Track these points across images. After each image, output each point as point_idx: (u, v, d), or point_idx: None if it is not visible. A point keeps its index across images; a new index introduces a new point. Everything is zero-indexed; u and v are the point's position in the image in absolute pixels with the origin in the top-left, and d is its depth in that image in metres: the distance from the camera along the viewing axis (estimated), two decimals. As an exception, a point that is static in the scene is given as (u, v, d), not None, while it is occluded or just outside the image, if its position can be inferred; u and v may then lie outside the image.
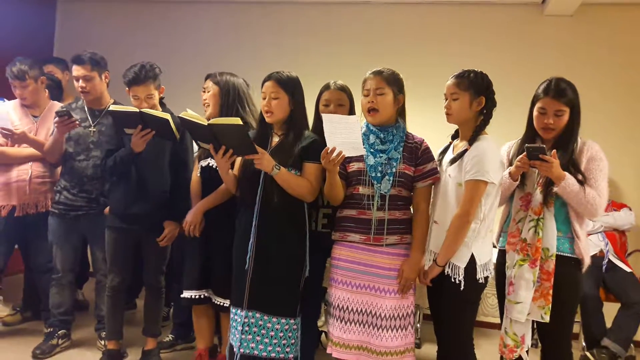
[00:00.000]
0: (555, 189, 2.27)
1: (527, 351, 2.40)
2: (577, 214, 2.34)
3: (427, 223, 2.40)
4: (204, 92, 2.89)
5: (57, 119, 2.96)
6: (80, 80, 3.10)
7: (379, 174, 2.35)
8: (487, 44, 4.45)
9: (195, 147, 2.89)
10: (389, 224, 2.35)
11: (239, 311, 2.45)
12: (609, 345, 3.42)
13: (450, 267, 2.29)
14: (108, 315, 3.10)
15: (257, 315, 2.42)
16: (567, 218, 2.35)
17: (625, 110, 4.25)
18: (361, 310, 2.37)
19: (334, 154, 2.20)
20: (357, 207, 2.39)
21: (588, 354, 3.45)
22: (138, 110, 2.71)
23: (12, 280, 4.12)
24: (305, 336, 2.57)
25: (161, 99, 3.04)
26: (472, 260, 2.28)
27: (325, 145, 2.23)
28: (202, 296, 2.77)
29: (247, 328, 2.42)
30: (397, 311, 2.35)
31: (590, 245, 3.56)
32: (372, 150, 2.37)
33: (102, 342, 3.28)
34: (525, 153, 2.26)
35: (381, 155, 2.36)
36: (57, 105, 3.44)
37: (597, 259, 3.65)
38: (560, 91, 2.31)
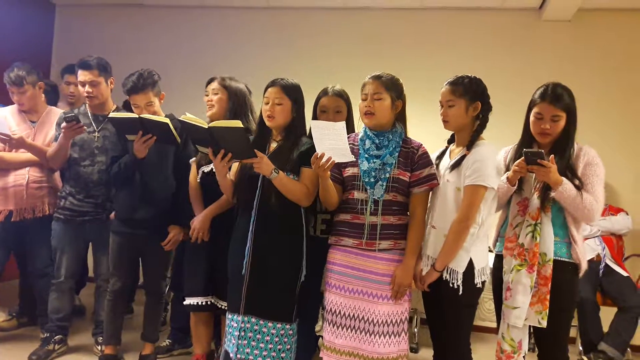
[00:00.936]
0: (552, 194, 2.27)
1: (524, 356, 2.40)
2: (573, 219, 2.34)
3: (422, 229, 2.39)
4: (207, 94, 2.88)
5: (64, 124, 2.95)
6: (87, 86, 3.10)
7: (372, 179, 2.35)
8: (485, 49, 4.47)
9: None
10: (382, 229, 2.34)
11: (235, 316, 2.45)
12: (606, 349, 3.42)
13: (448, 272, 2.29)
14: (107, 320, 3.09)
15: (253, 320, 2.42)
16: (564, 223, 2.35)
17: (623, 115, 4.26)
18: (354, 316, 2.36)
19: (323, 160, 2.21)
20: (351, 211, 2.40)
21: (585, 358, 3.46)
22: (137, 116, 2.72)
23: (7, 285, 4.10)
24: (303, 341, 2.58)
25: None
26: (470, 265, 2.28)
27: None
28: (207, 302, 2.78)
29: (243, 333, 2.42)
30: (391, 317, 2.34)
31: (587, 249, 3.58)
32: (366, 155, 2.38)
33: (99, 347, 3.27)
34: (523, 158, 2.26)
35: (375, 160, 2.36)
36: (55, 111, 3.45)
37: (594, 263, 3.66)
38: (556, 96, 2.32)
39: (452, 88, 2.36)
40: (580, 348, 3.61)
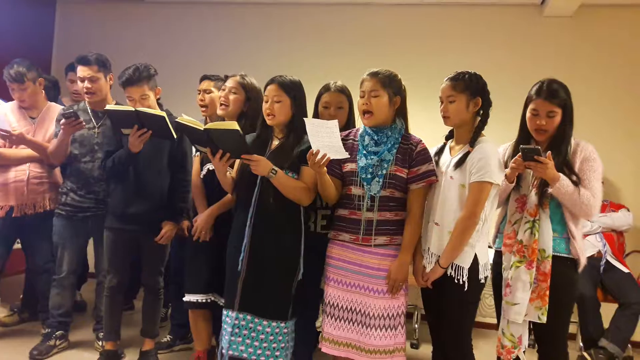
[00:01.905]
0: (550, 190, 2.27)
1: (524, 351, 2.40)
2: (571, 215, 2.34)
3: (418, 225, 2.39)
4: (208, 92, 2.90)
5: (63, 120, 2.96)
6: (86, 81, 3.10)
7: (369, 176, 2.35)
8: (486, 45, 4.45)
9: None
10: (378, 225, 2.35)
11: (229, 312, 2.45)
12: (607, 345, 3.42)
13: (454, 268, 2.29)
14: (106, 316, 3.09)
15: (248, 317, 2.42)
16: (563, 219, 2.35)
17: (624, 110, 4.25)
18: (352, 309, 2.38)
19: (319, 156, 2.21)
20: (349, 207, 2.40)
21: (585, 354, 3.46)
22: (134, 109, 2.71)
23: (9, 281, 4.11)
24: (303, 337, 2.58)
25: (157, 99, 3.03)
26: (474, 261, 2.29)
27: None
28: (206, 300, 2.78)
29: (237, 330, 2.42)
30: (387, 311, 2.34)
31: (587, 245, 3.59)
32: (365, 152, 2.38)
33: (100, 343, 3.28)
34: (520, 155, 2.26)
35: (372, 157, 2.36)
36: (55, 107, 3.45)
37: (594, 259, 3.65)
38: (552, 92, 2.32)
39: (452, 84, 2.35)
40: (581, 344, 3.61)
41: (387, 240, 2.36)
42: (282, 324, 2.43)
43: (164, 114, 2.70)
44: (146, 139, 2.76)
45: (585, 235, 3.66)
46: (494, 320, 2.62)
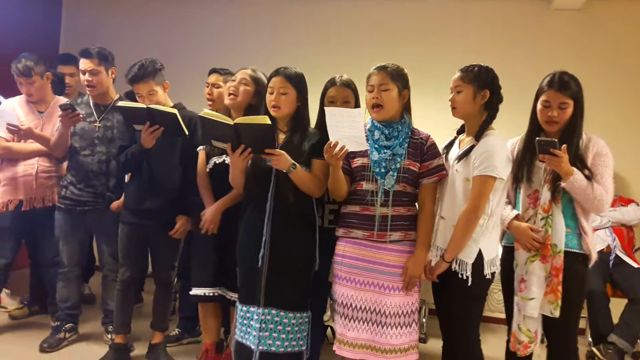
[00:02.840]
0: (562, 185, 2.26)
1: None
2: (583, 210, 2.33)
3: (432, 220, 2.38)
4: (217, 85, 2.94)
5: (61, 112, 2.98)
6: (87, 74, 3.11)
7: (382, 170, 2.33)
8: (493, 38, 4.42)
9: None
10: (393, 220, 2.33)
11: (252, 308, 2.46)
12: (616, 341, 3.40)
13: (458, 262, 2.29)
14: (117, 309, 3.11)
15: (273, 311, 2.43)
16: (574, 214, 2.34)
17: (633, 104, 4.21)
18: (366, 308, 2.35)
19: (337, 148, 2.19)
20: (360, 203, 2.38)
21: (594, 349, 3.44)
22: (145, 106, 2.72)
23: (19, 274, 4.13)
24: (311, 330, 2.57)
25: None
26: (479, 256, 2.28)
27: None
28: (214, 294, 2.78)
29: (264, 325, 2.43)
30: (402, 308, 2.34)
31: (597, 240, 3.57)
32: (376, 146, 2.36)
33: (109, 336, 3.30)
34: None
35: (385, 151, 2.34)
36: (63, 101, 3.45)
37: (604, 254, 3.63)
38: (564, 84, 2.30)
39: (462, 75, 2.36)
40: (590, 339, 3.60)
41: (402, 235, 2.35)
42: (304, 314, 2.48)
43: (175, 111, 2.71)
44: (158, 135, 2.78)
45: (595, 229, 3.63)
46: (503, 315, 2.62)
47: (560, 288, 2.28)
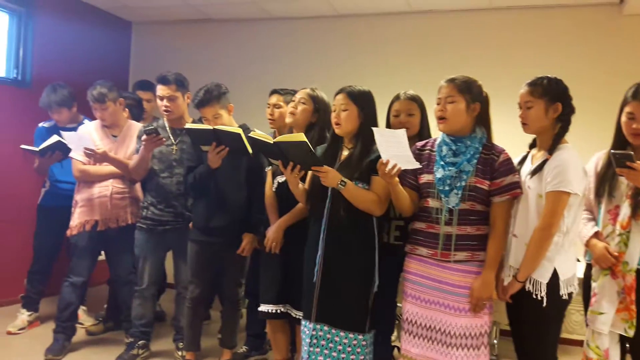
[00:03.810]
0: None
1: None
2: None
3: (502, 240, 2.28)
4: (278, 106, 3.00)
5: (145, 137, 3.09)
6: (165, 100, 3.23)
7: (446, 187, 2.27)
8: (561, 49, 4.26)
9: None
10: (458, 240, 2.27)
11: (307, 323, 2.47)
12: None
13: (532, 282, 2.20)
14: (187, 327, 3.19)
15: (325, 328, 2.42)
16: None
17: None
18: (431, 327, 2.31)
19: (389, 167, 2.18)
20: (426, 220, 2.34)
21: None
22: (212, 127, 2.80)
23: (94, 291, 4.32)
24: (377, 350, 2.55)
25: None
26: (554, 276, 2.18)
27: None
28: (279, 311, 2.81)
29: (315, 341, 2.43)
30: (470, 330, 2.26)
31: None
32: (442, 162, 2.31)
33: (180, 353, 3.38)
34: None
35: (450, 167, 2.28)
36: (135, 125, 3.60)
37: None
38: None
39: (530, 89, 2.28)
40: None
41: (469, 256, 2.28)
42: (360, 336, 2.41)
43: (240, 130, 2.77)
44: (224, 155, 2.85)
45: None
46: (582, 337, 2.50)
47: (634, 307, 2.16)
